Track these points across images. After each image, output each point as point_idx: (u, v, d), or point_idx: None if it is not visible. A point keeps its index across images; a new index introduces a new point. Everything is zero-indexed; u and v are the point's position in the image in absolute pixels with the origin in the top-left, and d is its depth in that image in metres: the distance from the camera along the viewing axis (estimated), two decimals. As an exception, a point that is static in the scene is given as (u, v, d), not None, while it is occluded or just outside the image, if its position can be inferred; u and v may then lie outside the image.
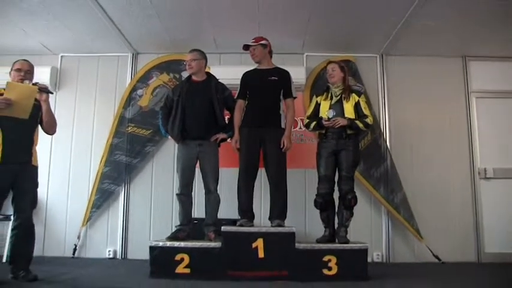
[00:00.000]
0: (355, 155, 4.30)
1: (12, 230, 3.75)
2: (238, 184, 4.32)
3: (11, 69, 3.83)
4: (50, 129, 3.96)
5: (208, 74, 4.52)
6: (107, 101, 5.71)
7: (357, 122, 4.25)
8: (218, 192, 4.34)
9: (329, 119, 4.27)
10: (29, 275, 3.62)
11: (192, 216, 4.50)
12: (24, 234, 3.72)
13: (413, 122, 5.66)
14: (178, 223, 4.33)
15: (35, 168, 3.81)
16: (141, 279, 3.84)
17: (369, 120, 4.31)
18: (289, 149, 4.31)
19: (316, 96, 4.54)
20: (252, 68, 4.56)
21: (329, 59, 5.03)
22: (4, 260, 4.84)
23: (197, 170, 4.40)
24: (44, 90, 3.79)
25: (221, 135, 4.35)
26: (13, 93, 3.54)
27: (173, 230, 4.32)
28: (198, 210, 4.73)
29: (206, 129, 4.29)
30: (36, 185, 3.82)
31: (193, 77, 4.44)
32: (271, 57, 4.56)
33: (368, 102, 4.77)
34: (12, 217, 3.76)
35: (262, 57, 4.46)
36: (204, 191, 4.36)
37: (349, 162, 4.24)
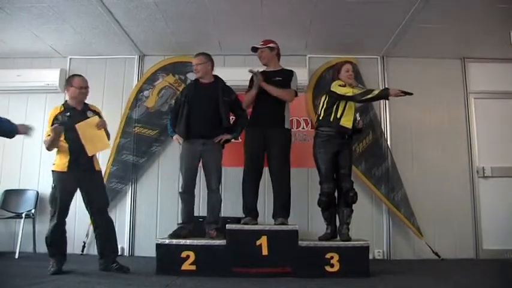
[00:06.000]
0: (352, 153, 4.42)
1: (94, 230, 4.23)
2: (243, 183, 4.40)
3: (70, 85, 4.13)
4: None
5: (216, 77, 4.55)
6: (114, 102, 5.79)
7: None
8: (223, 190, 4.38)
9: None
10: (123, 267, 4.05)
11: (197, 214, 4.56)
12: (106, 231, 4.15)
13: (413, 122, 5.73)
14: (180, 221, 4.42)
15: (99, 172, 4.26)
16: (148, 275, 3.91)
17: None
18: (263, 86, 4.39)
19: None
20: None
21: (330, 61, 5.14)
22: (17, 256, 4.98)
23: (201, 168, 4.44)
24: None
25: (225, 136, 4.38)
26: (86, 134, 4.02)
27: (175, 228, 4.38)
28: (203, 208, 4.80)
29: (210, 129, 4.33)
30: (104, 186, 4.31)
31: (201, 80, 4.49)
32: (279, 59, 4.64)
33: None
34: (91, 219, 4.22)
35: (269, 59, 4.55)
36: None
37: (348, 161, 4.30)
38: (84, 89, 4.16)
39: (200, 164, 4.41)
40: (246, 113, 4.55)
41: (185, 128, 4.34)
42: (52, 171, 4.03)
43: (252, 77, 4.52)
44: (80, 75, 4.22)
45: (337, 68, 4.47)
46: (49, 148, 4.01)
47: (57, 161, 4.02)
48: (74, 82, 4.13)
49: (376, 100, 4.55)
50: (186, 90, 4.56)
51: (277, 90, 4.37)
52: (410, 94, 4.02)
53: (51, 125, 3.96)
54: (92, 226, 4.30)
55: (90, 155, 4.03)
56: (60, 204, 3.96)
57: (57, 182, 3.98)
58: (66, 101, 4.20)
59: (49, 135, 3.92)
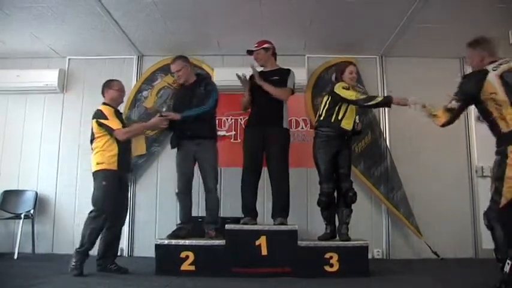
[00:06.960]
0: (351, 153, 4.41)
1: (105, 230, 4.07)
2: (242, 183, 4.37)
3: (109, 88, 4.21)
4: None
5: (198, 75, 4.57)
6: (113, 103, 5.79)
7: None
8: (222, 190, 4.36)
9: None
10: (121, 268, 4.07)
11: (196, 214, 4.57)
12: (114, 235, 4.17)
13: (412, 122, 5.64)
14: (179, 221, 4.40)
15: None
16: (148, 276, 3.91)
17: None
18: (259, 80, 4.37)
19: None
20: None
21: (329, 61, 5.12)
22: (16, 257, 4.97)
23: (197, 168, 4.43)
24: None
25: (171, 114, 4.26)
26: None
27: (174, 229, 4.37)
28: (202, 209, 4.74)
29: (200, 129, 4.29)
30: (128, 190, 4.58)
31: (185, 83, 4.48)
32: (275, 59, 4.61)
33: None
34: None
35: (266, 60, 4.53)
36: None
37: (348, 161, 4.29)
38: (123, 92, 4.33)
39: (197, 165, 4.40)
40: (205, 106, 4.26)
41: (175, 138, 4.39)
42: (98, 170, 3.98)
43: (251, 76, 4.50)
44: (117, 80, 4.32)
45: (340, 68, 4.43)
46: (131, 137, 4.18)
47: (104, 160, 3.99)
48: (115, 85, 4.24)
49: (379, 107, 4.57)
50: (174, 95, 4.64)
51: (272, 88, 4.33)
52: None
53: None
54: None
55: (133, 156, 4.10)
56: (115, 201, 4.01)
57: (109, 179, 3.95)
58: (105, 102, 4.21)
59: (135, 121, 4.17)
